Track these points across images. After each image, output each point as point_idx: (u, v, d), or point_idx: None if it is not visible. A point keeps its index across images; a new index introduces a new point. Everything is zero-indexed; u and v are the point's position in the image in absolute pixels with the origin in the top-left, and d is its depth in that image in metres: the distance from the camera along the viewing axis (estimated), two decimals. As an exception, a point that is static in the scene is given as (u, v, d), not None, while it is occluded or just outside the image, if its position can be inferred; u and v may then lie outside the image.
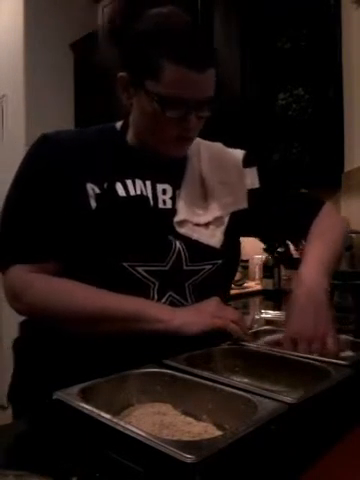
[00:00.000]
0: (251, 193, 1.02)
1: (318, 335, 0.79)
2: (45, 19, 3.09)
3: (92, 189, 0.87)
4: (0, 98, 3.23)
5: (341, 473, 0.55)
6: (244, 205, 1.00)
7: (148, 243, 0.88)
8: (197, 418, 0.61)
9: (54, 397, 0.58)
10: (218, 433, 0.56)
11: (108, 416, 0.52)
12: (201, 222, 0.94)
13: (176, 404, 0.63)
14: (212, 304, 0.86)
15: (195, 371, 0.67)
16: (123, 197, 0.89)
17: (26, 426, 0.70)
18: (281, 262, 2.19)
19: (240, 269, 2.43)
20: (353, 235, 1.81)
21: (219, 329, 0.81)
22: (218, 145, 1.07)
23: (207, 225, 0.94)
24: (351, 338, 0.86)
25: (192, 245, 0.91)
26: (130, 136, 0.96)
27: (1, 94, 3.22)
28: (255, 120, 2.06)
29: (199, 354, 0.77)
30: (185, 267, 0.90)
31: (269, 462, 0.51)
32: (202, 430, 0.58)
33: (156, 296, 0.87)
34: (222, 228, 0.95)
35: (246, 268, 2.49)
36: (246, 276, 2.47)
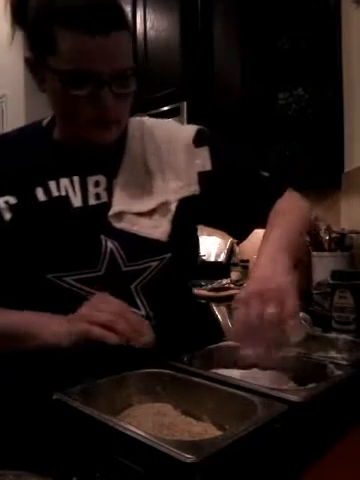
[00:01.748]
0: (202, 176, 0.88)
1: (276, 295, 0.66)
2: (45, 19, 3.09)
3: (5, 202, 0.80)
4: (0, 98, 3.23)
5: (341, 473, 0.55)
6: (194, 190, 0.87)
7: (72, 249, 0.79)
8: (197, 418, 0.61)
9: (54, 397, 0.58)
10: (218, 433, 0.56)
11: (108, 416, 0.52)
12: (143, 210, 0.82)
13: (176, 404, 0.63)
14: (88, 303, 0.72)
15: (195, 371, 0.67)
16: (43, 202, 0.80)
17: (26, 426, 0.70)
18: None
19: (240, 269, 2.43)
20: (353, 235, 1.81)
21: (92, 338, 0.68)
22: (167, 122, 0.96)
23: (150, 214, 0.82)
24: (351, 338, 0.86)
25: (129, 241, 0.80)
26: (57, 130, 0.87)
27: (1, 94, 3.22)
28: (255, 120, 2.06)
29: (199, 354, 0.77)
30: (124, 268, 0.80)
31: (269, 462, 0.51)
32: (202, 430, 0.58)
33: None
34: (169, 216, 0.83)
35: (246, 268, 2.48)
36: (246, 276, 2.47)
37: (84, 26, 0.70)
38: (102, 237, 0.79)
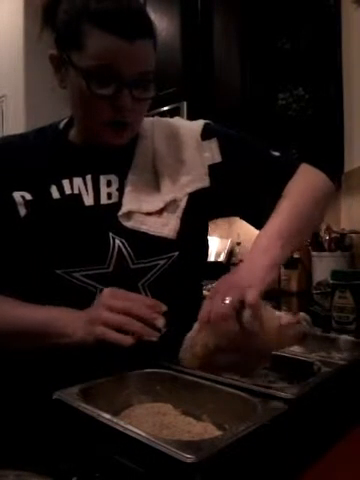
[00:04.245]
0: (212, 168, 0.89)
1: (237, 286, 0.65)
2: (45, 19, 3.09)
3: (21, 196, 0.82)
4: (0, 98, 3.23)
5: (341, 473, 0.55)
6: (204, 183, 0.88)
7: (80, 245, 0.81)
8: (197, 418, 0.61)
9: (54, 397, 0.58)
10: (218, 433, 0.56)
11: (108, 416, 0.52)
12: (152, 210, 0.83)
13: (176, 404, 0.63)
14: (100, 303, 0.72)
15: (195, 371, 0.67)
16: (57, 199, 0.83)
17: (26, 426, 0.70)
18: (281, 262, 2.18)
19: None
20: (353, 235, 1.81)
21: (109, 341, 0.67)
22: (175, 119, 0.98)
23: (160, 213, 0.84)
24: (351, 338, 0.86)
25: (138, 240, 0.82)
26: (74, 131, 0.89)
27: (1, 94, 3.22)
28: (255, 120, 2.06)
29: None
30: (132, 266, 0.81)
31: (269, 462, 0.51)
32: (202, 430, 0.58)
33: None
34: (178, 213, 0.85)
35: (246, 268, 2.48)
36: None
37: (115, 28, 0.73)
38: (110, 235, 0.81)
